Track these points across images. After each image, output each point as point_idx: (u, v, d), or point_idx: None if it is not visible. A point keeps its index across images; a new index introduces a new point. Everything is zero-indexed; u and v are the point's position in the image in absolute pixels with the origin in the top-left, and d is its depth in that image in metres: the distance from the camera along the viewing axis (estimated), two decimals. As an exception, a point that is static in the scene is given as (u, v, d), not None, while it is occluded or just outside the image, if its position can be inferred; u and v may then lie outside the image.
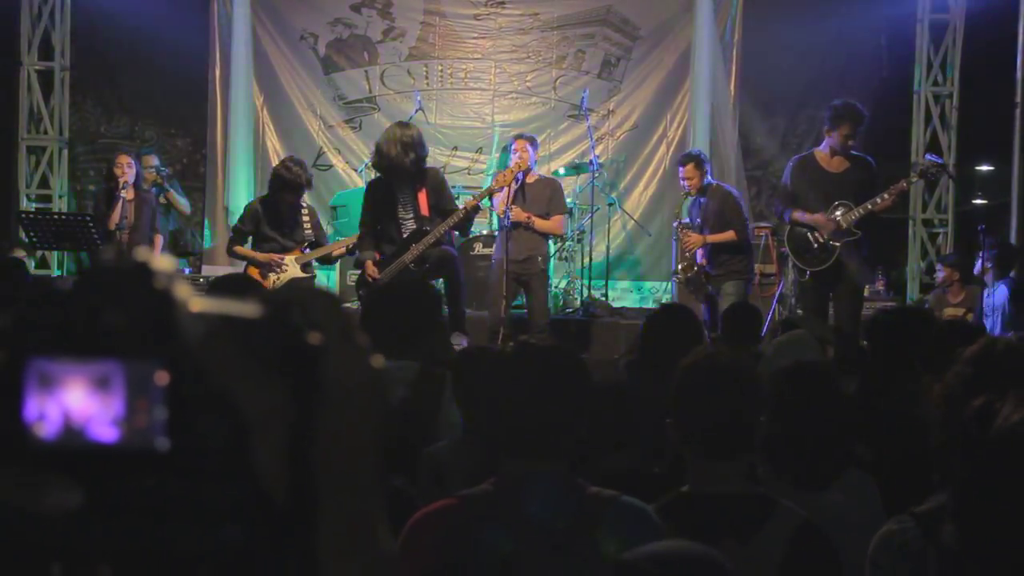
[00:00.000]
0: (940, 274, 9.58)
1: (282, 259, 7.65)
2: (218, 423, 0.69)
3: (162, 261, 0.70)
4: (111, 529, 0.67)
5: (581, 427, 2.27)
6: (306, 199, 7.88)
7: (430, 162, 7.55)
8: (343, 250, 7.92)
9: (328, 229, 8.97)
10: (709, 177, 8.08)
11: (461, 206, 7.24)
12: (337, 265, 9.60)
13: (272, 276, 7.61)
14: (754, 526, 2.31)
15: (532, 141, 8.12)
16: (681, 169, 8.09)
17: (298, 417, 0.72)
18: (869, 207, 7.16)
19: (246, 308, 0.73)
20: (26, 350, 0.67)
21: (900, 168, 8.88)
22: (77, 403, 0.67)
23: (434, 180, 7.27)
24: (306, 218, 7.79)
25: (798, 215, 7.34)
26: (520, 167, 7.70)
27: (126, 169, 8.35)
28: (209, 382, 0.69)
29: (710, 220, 7.94)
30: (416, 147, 7.01)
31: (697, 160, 8.04)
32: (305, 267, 7.79)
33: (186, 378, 0.67)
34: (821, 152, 7.41)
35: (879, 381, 3.93)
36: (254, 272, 7.66)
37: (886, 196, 7.15)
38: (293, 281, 7.52)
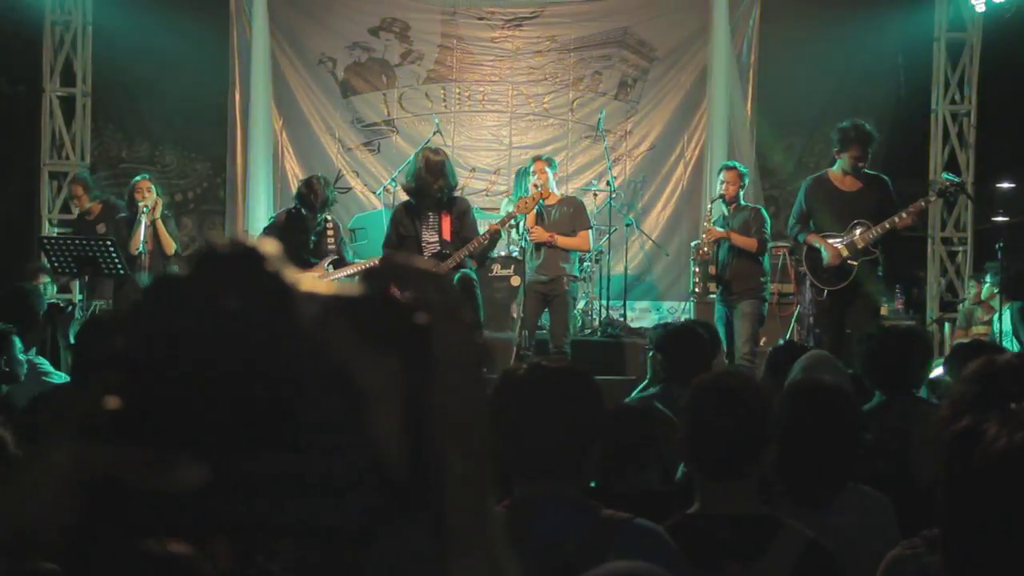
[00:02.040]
0: (970, 292, 9.67)
1: None
2: (337, 398, 0.70)
3: (270, 245, 0.72)
4: (233, 504, 0.68)
5: (595, 449, 2.25)
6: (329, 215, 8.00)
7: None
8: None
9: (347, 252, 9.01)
10: (743, 195, 8.16)
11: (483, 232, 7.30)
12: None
13: None
14: (759, 547, 2.29)
15: (550, 163, 8.15)
16: (723, 173, 8.19)
17: (411, 392, 0.74)
18: (888, 226, 7.13)
19: (354, 287, 0.75)
20: (148, 333, 0.69)
21: (918, 187, 8.85)
22: None
23: (460, 208, 7.37)
24: (330, 233, 7.89)
25: (811, 238, 7.35)
26: (542, 190, 7.73)
27: (146, 194, 8.43)
28: (326, 359, 0.70)
29: (735, 229, 7.97)
30: (445, 174, 7.17)
31: (738, 172, 8.14)
32: None
33: (304, 355, 0.69)
34: (835, 172, 7.41)
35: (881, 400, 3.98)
36: None
37: (905, 215, 7.13)
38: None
